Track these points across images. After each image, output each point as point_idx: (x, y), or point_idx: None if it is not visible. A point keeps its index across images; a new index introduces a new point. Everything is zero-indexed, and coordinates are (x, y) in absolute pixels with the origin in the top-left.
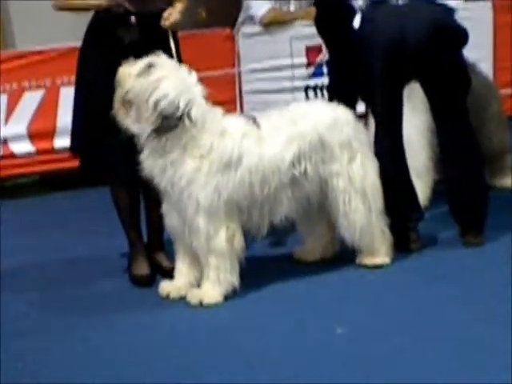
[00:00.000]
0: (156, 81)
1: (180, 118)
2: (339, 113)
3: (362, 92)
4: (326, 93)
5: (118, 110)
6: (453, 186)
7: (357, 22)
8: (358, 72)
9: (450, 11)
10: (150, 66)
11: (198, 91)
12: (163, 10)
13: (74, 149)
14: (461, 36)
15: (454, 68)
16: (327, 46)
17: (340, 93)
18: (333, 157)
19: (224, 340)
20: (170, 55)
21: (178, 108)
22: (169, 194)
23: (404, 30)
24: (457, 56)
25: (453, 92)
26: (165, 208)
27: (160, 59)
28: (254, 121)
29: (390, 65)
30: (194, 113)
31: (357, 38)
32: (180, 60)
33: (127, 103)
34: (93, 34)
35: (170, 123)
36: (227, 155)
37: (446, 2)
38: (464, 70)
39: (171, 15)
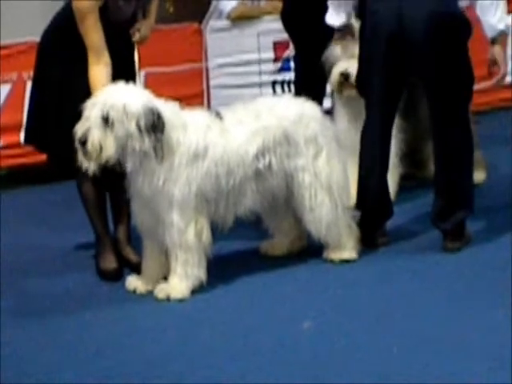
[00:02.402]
0: (125, 111)
1: (162, 124)
2: (305, 108)
3: (360, 81)
4: (293, 88)
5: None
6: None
7: (329, 17)
8: (359, 61)
9: (453, 1)
10: (104, 120)
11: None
12: (133, 18)
13: (31, 141)
14: (463, 28)
15: (456, 63)
16: (293, 41)
17: (306, 88)
18: (298, 152)
19: (191, 334)
20: (132, 63)
21: (156, 115)
22: (140, 194)
23: (402, 22)
24: (459, 50)
25: (453, 93)
26: (134, 207)
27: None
28: (217, 114)
29: (390, 57)
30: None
31: (360, 30)
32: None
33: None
34: (62, 33)
35: (157, 133)
36: (193, 147)
37: None
38: (468, 67)
39: (141, 30)
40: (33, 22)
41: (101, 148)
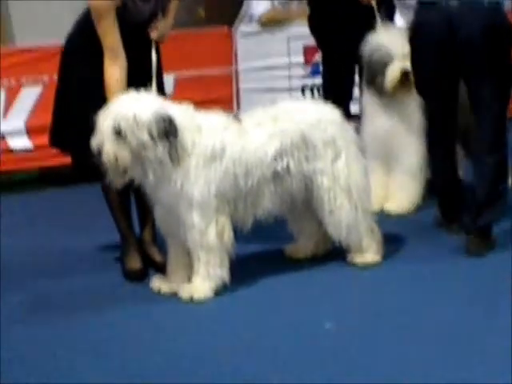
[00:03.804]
0: (136, 121)
1: (174, 129)
2: (324, 111)
3: (418, 89)
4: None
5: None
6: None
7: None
8: (413, 66)
9: (499, 10)
10: (116, 131)
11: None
12: (151, 19)
13: (56, 144)
14: (508, 36)
15: (503, 68)
16: (320, 46)
17: (333, 93)
18: (316, 155)
19: (213, 335)
20: (150, 65)
21: (167, 121)
22: (161, 200)
23: (454, 34)
24: (506, 55)
25: (498, 93)
26: (156, 212)
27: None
28: (236, 117)
29: (441, 65)
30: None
31: (411, 37)
32: (160, 70)
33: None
34: (85, 35)
35: (170, 138)
36: (210, 148)
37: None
38: (509, 70)
39: (159, 27)
40: (64, 25)
41: (116, 159)
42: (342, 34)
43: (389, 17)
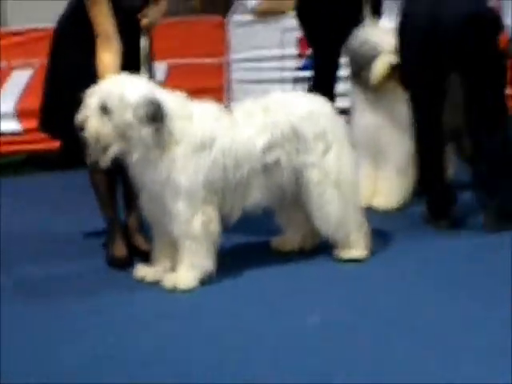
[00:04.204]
0: (123, 101)
1: (161, 114)
2: (315, 104)
3: (404, 82)
4: None
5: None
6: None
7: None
8: (401, 58)
9: (482, 2)
10: (102, 108)
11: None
12: (144, 5)
13: (46, 129)
14: (495, 24)
15: (490, 57)
16: (308, 38)
17: (321, 85)
18: (307, 148)
19: (196, 325)
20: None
21: (156, 105)
22: (146, 185)
23: (437, 22)
24: (492, 44)
25: (490, 82)
26: (143, 199)
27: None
28: (227, 107)
29: (426, 56)
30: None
31: (397, 30)
32: (151, 57)
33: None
34: (76, 19)
35: (158, 123)
36: (199, 136)
37: None
38: (500, 59)
39: (150, 14)
40: (57, 8)
41: (98, 136)
42: (330, 26)
43: (375, 11)
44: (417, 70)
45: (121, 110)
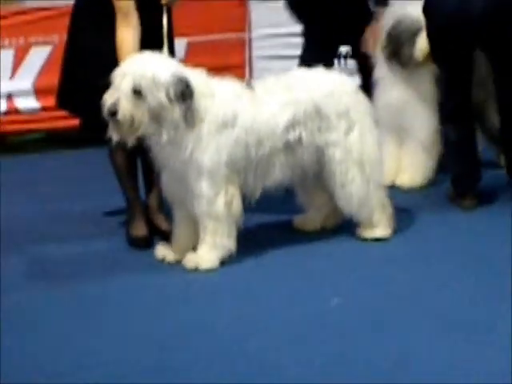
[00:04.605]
0: (155, 82)
1: (191, 91)
2: (338, 82)
3: (434, 56)
4: (337, 61)
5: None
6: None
7: None
8: (427, 34)
9: None
10: (134, 91)
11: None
12: None
13: (64, 105)
14: None
15: None
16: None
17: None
18: (329, 126)
19: (217, 306)
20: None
21: (184, 83)
22: (169, 165)
23: (465, 3)
24: None
25: None
26: (164, 178)
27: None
28: (248, 85)
29: (455, 30)
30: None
31: (426, 2)
32: (171, 35)
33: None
34: None
35: (187, 101)
36: (222, 115)
37: None
38: None
39: None
40: None
41: (132, 120)
42: (327, 22)
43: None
44: (445, 47)
45: (154, 92)
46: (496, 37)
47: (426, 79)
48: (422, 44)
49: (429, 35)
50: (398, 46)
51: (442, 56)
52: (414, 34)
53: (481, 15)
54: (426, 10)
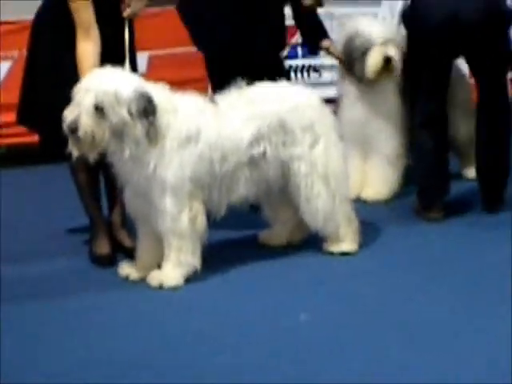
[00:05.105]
0: (117, 98)
1: (153, 107)
2: (302, 95)
3: (409, 63)
4: (300, 75)
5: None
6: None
7: None
8: (408, 42)
9: None
10: (96, 107)
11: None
12: None
13: (24, 121)
14: (509, 16)
15: (501, 46)
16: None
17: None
18: (294, 140)
19: (183, 323)
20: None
21: (147, 99)
22: (132, 182)
23: (459, 6)
24: (505, 35)
25: (497, 68)
26: (127, 195)
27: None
28: (211, 99)
29: (442, 37)
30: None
31: (409, 10)
32: (133, 48)
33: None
34: (55, 11)
35: (150, 117)
36: (185, 130)
37: None
38: (509, 48)
39: (132, 4)
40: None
41: (93, 136)
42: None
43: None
44: (430, 55)
45: (116, 108)
46: (483, 44)
47: (389, 92)
48: (371, 62)
49: (412, 43)
50: (350, 63)
51: (425, 63)
52: (364, 52)
53: (469, 23)
54: (410, 17)
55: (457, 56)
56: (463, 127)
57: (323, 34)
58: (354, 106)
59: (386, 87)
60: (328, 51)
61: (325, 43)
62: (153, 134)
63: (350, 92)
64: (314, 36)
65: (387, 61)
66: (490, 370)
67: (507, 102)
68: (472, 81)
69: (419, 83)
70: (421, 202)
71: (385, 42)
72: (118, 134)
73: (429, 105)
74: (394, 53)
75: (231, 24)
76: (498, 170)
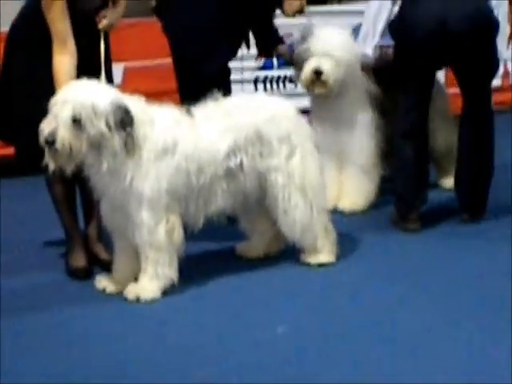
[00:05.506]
0: (94, 110)
1: (130, 119)
2: (279, 106)
3: (396, 69)
4: (275, 85)
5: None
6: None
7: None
8: (395, 51)
9: (487, 1)
10: (74, 120)
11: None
12: (100, 7)
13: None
14: (496, 25)
15: (489, 55)
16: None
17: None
18: (271, 151)
19: (160, 336)
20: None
21: (124, 110)
22: (109, 194)
23: (447, 16)
24: (492, 44)
25: (484, 77)
26: (104, 208)
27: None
28: (188, 111)
29: (430, 47)
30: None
31: (397, 19)
32: (109, 60)
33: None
34: (30, 23)
35: (127, 128)
36: (161, 142)
37: None
38: (495, 57)
39: (108, 16)
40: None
41: (70, 149)
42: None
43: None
44: (417, 65)
45: (94, 121)
46: (470, 54)
47: (358, 104)
48: (303, 73)
49: (400, 53)
50: (296, 72)
51: (412, 73)
52: (303, 62)
53: (457, 32)
54: (398, 27)
55: (444, 66)
56: (441, 137)
57: (278, 39)
58: (325, 118)
59: (353, 99)
60: (283, 57)
61: (280, 49)
62: (130, 145)
63: (319, 103)
64: (270, 41)
65: (317, 73)
66: (472, 378)
67: (491, 111)
68: (449, 91)
69: (406, 93)
70: (398, 211)
71: (322, 55)
72: (96, 146)
73: (412, 115)
74: (327, 66)
75: (209, 36)
76: (482, 178)
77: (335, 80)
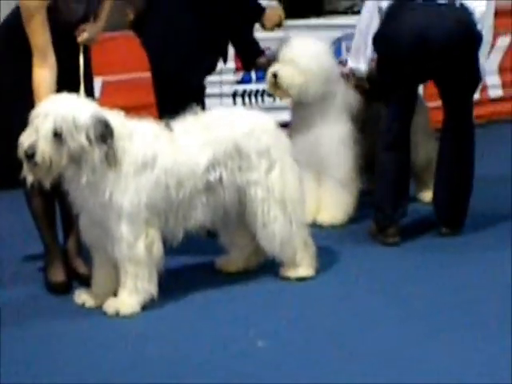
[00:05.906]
0: (75, 124)
1: (111, 132)
2: (258, 120)
3: (380, 83)
4: (254, 99)
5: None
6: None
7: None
8: (378, 64)
9: (470, 14)
10: (54, 133)
11: (95, 105)
12: (82, 20)
13: None
14: (479, 38)
15: (471, 68)
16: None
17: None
18: (250, 165)
19: (140, 351)
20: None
21: (104, 124)
22: (87, 208)
23: (429, 30)
24: (474, 57)
25: (466, 90)
26: (83, 222)
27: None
28: (167, 125)
29: (412, 61)
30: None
31: (380, 33)
32: (89, 74)
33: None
34: (12, 33)
35: (108, 141)
36: (141, 156)
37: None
38: (478, 70)
39: (88, 30)
40: None
41: (50, 162)
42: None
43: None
44: (400, 78)
45: (74, 135)
46: (453, 67)
47: (336, 117)
48: (268, 77)
49: (382, 66)
50: None
51: (394, 86)
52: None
53: (439, 46)
54: (380, 40)
55: (427, 79)
56: (422, 151)
57: (259, 50)
58: (304, 131)
59: (331, 112)
60: (264, 68)
61: (261, 60)
62: (111, 158)
63: (298, 117)
64: (250, 53)
65: (275, 76)
66: None
67: (472, 125)
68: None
69: (388, 105)
70: (377, 224)
71: (286, 62)
72: (75, 159)
73: (395, 127)
74: (285, 71)
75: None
76: (462, 192)
77: (291, 85)
